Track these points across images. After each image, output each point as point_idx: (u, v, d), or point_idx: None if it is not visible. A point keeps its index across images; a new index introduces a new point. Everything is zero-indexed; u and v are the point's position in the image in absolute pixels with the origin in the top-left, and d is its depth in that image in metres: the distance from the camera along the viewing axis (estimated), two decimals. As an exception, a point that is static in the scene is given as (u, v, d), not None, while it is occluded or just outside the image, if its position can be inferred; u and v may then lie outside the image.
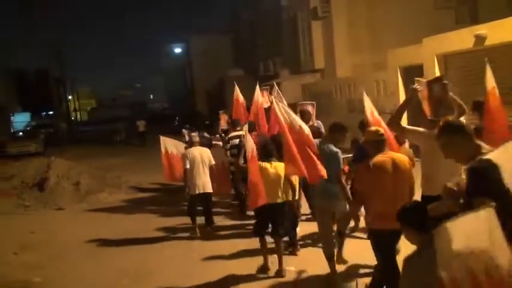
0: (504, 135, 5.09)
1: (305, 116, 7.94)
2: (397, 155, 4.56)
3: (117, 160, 19.01)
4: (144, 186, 13.05)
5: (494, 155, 2.75)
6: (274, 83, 9.42)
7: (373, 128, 4.72)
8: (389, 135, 5.16)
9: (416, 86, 4.75)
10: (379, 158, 4.37)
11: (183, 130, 10.88)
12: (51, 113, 48.18)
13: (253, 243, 6.38)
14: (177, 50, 59.00)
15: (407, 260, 2.45)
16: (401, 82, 14.06)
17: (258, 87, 9.37)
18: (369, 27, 20.05)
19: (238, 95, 9.83)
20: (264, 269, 5.96)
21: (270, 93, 9.77)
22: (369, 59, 19.30)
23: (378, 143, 4.43)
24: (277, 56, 27.74)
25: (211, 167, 7.92)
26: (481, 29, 10.65)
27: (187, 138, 9.07)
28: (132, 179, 13.93)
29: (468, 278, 2.15)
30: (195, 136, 8.22)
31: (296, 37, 24.76)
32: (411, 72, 12.90)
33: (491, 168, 2.66)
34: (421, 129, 4.76)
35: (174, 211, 9.64)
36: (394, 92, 14.30)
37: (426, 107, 4.74)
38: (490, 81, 5.71)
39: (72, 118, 55.54)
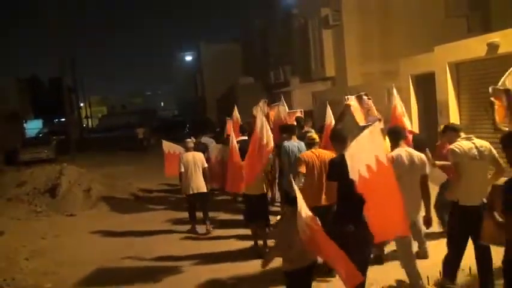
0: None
1: (300, 123, 8.80)
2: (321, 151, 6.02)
3: (128, 167, 19.09)
4: (154, 194, 13.17)
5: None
6: (281, 93, 9.77)
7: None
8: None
9: (348, 102, 6.30)
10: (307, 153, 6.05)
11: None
12: (63, 120, 48.63)
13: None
14: (188, 58, 59.36)
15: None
16: (412, 90, 13.99)
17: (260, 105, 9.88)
18: (380, 36, 20.02)
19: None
20: (254, 250, 6.96)
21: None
22: (379, 67, 19.23)
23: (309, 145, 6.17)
24: (287, 64, 27.79)
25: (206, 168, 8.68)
26: (494, 37, 10.56)
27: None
28: (143, 186, 14.02)
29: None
30: (190, 142, 8.96)
31: (307, 45, 24.79)
32: (423, 81, 12.85)
33: None
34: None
35: (183, 216, 9.65)
36: (406, 100, 14.21)
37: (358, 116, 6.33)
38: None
39: (84, 125, 56.14)
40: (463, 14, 17.76)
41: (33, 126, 45.50)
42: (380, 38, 19.96)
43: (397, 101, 6.48)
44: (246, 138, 8.92)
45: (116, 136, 40.93)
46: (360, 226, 4.24)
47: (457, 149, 4.91)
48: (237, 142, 7.62)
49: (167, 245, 8.10)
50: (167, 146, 9.98)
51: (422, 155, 5.19)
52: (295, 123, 8.85)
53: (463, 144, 4.96)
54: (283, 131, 7.78)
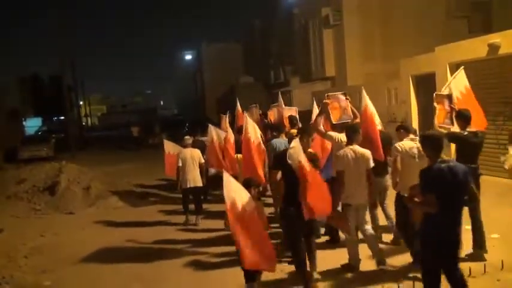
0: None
1: (293, 122, 9.13)
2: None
3: (128, 165, 19.09)
4: (151, 190, 13.24)
5: None
6: (279, 92, 10.04)
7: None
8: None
9: (326, 101, 6.67)
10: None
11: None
12: (62, 118, 48.60)
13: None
14: (188, 57, 59.28)
15: None
16: (413, 90, 14.00)
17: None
18: (381, 36, 20.03)
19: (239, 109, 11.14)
20: None
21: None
22: (380, 67, 19.24)
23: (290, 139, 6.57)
24: (288, 63, 27.81)
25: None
26: (495, 38, 10.57)
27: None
28: (142, 184, 14.07)
29: None
30: (188, 139, 9.50)
31: (307, 45, 24.80)
32: (424, 81, 12.85)
33: None
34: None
35: (178, 209, 9.96)
36: (406, 100, 14.22)
37: (330, 115, 6.71)
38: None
39: (83, 123, 56.08)
40: (464, 15, 17.77)
41: (32, 124, 45.46)
42: (381, 38, 19.98)
43: (367, 101, 6.91)
44: None
45: (114, 135, 41.02)
46: (298, 207, 5.20)
47: (398, 147, 5.85)
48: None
49: (165, 238, 8.32)
50: (168, 146, 10.19)
51: (367, 152, 5.85)
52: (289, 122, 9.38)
53: (405, 143, 5.88)
54: (272, 129, 8.80)
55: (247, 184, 4.95)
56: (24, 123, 42.95)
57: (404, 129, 6.31)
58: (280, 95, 11.16)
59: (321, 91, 21.03)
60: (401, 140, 6.08)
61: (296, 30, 26.85)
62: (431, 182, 4.11)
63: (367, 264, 5.99)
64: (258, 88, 31.10)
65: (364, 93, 6.92)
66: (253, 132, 7.33)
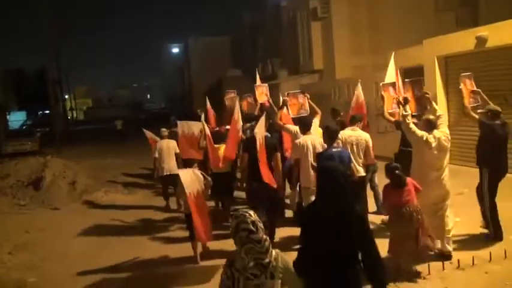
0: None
1: (263, 111, 9.39)
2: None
3: (114, 160, 18.93)
4: (138, 182, 13.41)
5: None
6: (267, 86, 10.07)
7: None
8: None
9: (285, 98, 7.79)
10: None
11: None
12: (47, 112, 48.09)
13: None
14: (175, 50, 58.95)
15: None
16: (401, 84, 14.02)
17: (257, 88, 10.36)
18: (369, 29, 20.06)
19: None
20: (214, 215, 7.91)
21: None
22: (368, 60, 19.26)
23: None
24: (276, 56, 27.74)
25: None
26: (482, 31, 10.63)
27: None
28: (128, 179, 14.03)
29: None
30: (164, 131, 10.25)
31: (295, 38, 24.75)
32: (412, 74, 12.85)
33: None
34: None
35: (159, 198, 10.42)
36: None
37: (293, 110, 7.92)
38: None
39: (69, 117, 55.54)
40: (452, 8, 17.86)
41: (16, 118, 44.93)
42: (369, 31, 20.00)
43: (359, 91, 8.27)
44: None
45: (100, 128, 40.75)
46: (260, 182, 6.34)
47: (340, 134, 6.55)
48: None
49: (148, 229, 8.61)
50: (148, 133, 10.98)
51: (321, 141, 6.45)
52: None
53: (345, 132, 6.83)
54: (246, 120, 9.38)
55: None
56: (8, 117, 42.38)
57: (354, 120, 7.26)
58: (255, 88, 10.58)
59: (308, 84, 21.05)
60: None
61: (284, 23, 26.79)
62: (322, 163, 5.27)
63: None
64: (246, 81, 30.97)
65: (359, 84, 8.30)
66: (238, 116, 8.21)
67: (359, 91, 8.51)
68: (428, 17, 17.55)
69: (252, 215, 2.83)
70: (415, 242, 5.19)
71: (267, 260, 2.76)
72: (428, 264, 5.40)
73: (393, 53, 7.90)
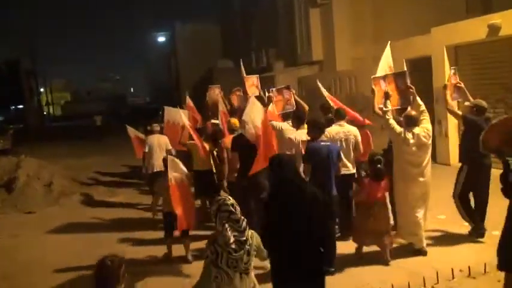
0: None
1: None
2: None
3: (91, 159, 18.89)
4: (119, 181, 13.54)
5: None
6: (257, 76, 10.11)
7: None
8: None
9: (270, 94, 8.02)
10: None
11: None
12: (21, 107, 47.90)
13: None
14: (161, 39, 58.73)
15: None
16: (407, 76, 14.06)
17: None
18: (372, 16, 20.04)
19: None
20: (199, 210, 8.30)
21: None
22: (371, 50, 19.20)
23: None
24: (271, 46, 27.68)
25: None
26: (495, 18, 10.67)
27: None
28: (109, 178, 14.11)
29: None
30: (156, 126, 10.29)
31: (292, 26, 24.72)
32: (419, 65, 12.91)
33: None
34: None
35: (146, 208, 10.39)
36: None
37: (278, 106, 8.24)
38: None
39: (45, 113, 55.30)
40: (461, -7, 17.85)
41: (-14, 114, 44.61)
42: (372, 19, 19.98)
43: (322, 88, 8.96)
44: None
45: (79, 125, 40.65)
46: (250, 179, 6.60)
47: (327, 132, 6.85)
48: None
49: (133, 230, 8.77)
50: (131, 131, 11.22)
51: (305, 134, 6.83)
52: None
53: (333, 128, 7.15)
54: (231, 114, 9.52)
55: None
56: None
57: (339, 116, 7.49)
58: (245, 80, 10.72)
59: (307, 76, 21.00)
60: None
61: (280, 10, 26.75)
62: (309, 155, 6.06)
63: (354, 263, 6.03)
64: (237, 73, 30.96)
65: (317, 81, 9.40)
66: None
67: (322, 88, 9.19)
68: (436, 3, 17.57)
69: (231, 198, 3.59)
70: (378, 237, 6.07)
71: (244, 238, 3.51)
72: (437, 272, 5.43)
73: (389, 43, 8.00)
